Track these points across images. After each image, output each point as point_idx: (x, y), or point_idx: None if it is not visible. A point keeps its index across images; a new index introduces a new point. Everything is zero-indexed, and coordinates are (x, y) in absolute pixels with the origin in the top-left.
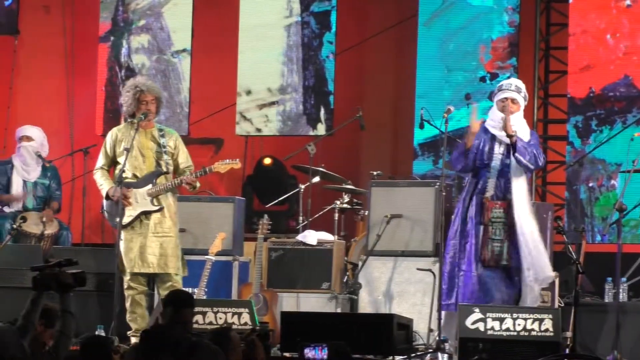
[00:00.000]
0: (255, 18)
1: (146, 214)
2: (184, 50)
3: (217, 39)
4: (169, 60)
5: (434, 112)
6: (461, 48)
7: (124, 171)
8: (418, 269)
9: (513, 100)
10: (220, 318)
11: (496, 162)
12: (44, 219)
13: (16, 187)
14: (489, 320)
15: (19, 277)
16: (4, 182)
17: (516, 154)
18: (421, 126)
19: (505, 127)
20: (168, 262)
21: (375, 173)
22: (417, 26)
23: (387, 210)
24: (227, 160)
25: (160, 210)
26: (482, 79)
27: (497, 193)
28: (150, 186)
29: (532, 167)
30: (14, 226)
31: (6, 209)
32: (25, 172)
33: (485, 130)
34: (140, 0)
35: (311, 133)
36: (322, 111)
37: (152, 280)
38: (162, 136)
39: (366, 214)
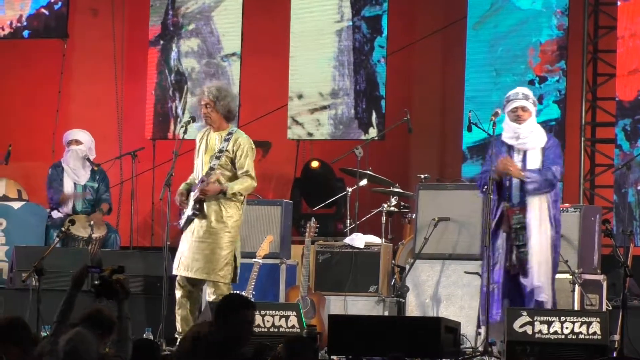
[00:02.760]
0: (306, 22)
1: (191, 219)
2: (233, 54)
3: (266, 42)
4: (218, 64)
5: (483, 115)
6: (510, 51)
7: (172, 175)
8: (466, 272)
9: (523, 108)
10: (268, 321)
11: None
12: (92, 223)
13: (67, 191)
14: (536, 323)
15: (66, 280)
16: (59, 185)
17: (533, 193)
18: (469, 129)
19: (515, 175)
20: (210, 269)
21: (423, 176)
22: (465, 29)
23: (434, 213)
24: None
25: (196, 215)
26: (531, 82)
27: (516, 199)
28: (196, 191)
29: (550, 189)
30: (62, 229)
31: (55, 215)
32: (75, 175)
33: (502, 142)
34: (190, 4)
35: (363, 137)
36: (374, 115)
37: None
38: (227, 140)
39: (414, 217)
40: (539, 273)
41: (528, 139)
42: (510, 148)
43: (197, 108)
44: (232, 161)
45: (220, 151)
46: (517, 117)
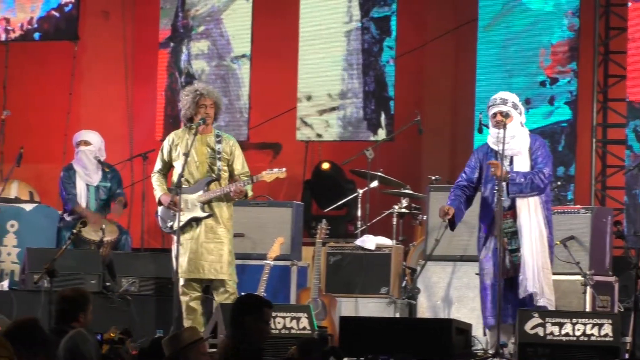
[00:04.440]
0: (315, 24)
1: (196, 220)
2: (243, 56)
3: (276, 44)
4: (228, 66)
5: None
6: (521, 52)
7: (182, 176)
8: (477, 274)
9: (501, 113)
10: (279, 323)
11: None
12: (104, 226)
13: (79, 192)
14: (548, 325)
15: (77, 282)
16: (73, 189)
17: (514, 195)
18: (479, 130)
19: (497, 175)
20: (220, 268)
21: (433, 178)
22: (476, 30)
23: None
24: (275, 170)
25: (210, 216)
26: (542, 84)
27: (507, 204)
28: (201, 192)
29: (537, 192)
30: (74, 231)
31: (66, 216)
32: (87, 177)
33: (487, 148)
34: (200, 6)
35: (372, 138)
36: (383, 116)
37: (207, 285)
38: (219, 142)
39: (424, 218)
40: (533, 279)
41: (511, 144)
42: (497, 154)
43: (193, 106)
44: (228, 162)
45: (219, 153)
46: (497, 122)
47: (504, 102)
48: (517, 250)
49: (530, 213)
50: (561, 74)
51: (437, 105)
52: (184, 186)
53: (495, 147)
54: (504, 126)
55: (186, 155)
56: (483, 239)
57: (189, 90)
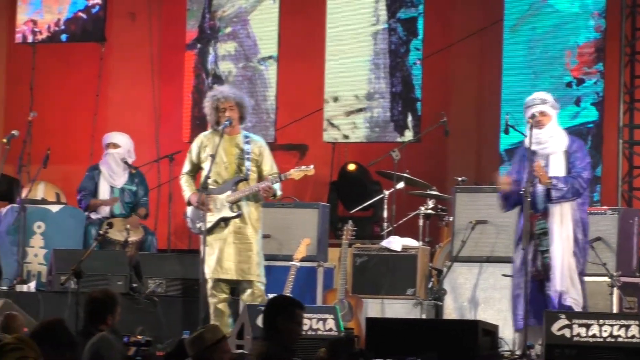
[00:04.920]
0: (342, 25)
1: (225, 220)
2: (270, 57)
3: (303, 45)
4: (255, 67)
5: (520, 117)
6: (547, 53)
7: (208, 177)
8: (503, 275)
9: (542, 113)
10: (305, 324)
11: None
12: (129, 227)
13: (103, 194)
14: (575, 326)
15: (104, 283)
16: (91, 187)
17: (557, 200)
18: (506, 132)
19: (540, 181)
20: (247, 268)
21: (460, 179)
22: (502, 31)
23: (472, 216)
24: (302, 167)
25: (239, 216)
26: (569, 85)
27: (541, 206)
28: (229, 192)
29: (577, 197)
30: (100, 232)
31: (93, 216)
32: (111, 179)
33: (523, 149)
34: (227, 7)
35: (398, 139)
36: (410, 118)
37: (235, 287)
38: (247, 143)
39: (451, 219)
40: (562, 278)
41: (549, 144)
42: (533, 154)
43: (213, 112)
44: (257, 163)
45: (248, 154)
46: (537, 122)
47: (544, 102)
48: (548, 251)
49: (562, 215)
50: (587, 75)
51: (463, 106)
52: (212, 187)
53: (533, 147)
54: (543, 125)
55: (212, 156)
56: (516, 240)
57: (208, 97)
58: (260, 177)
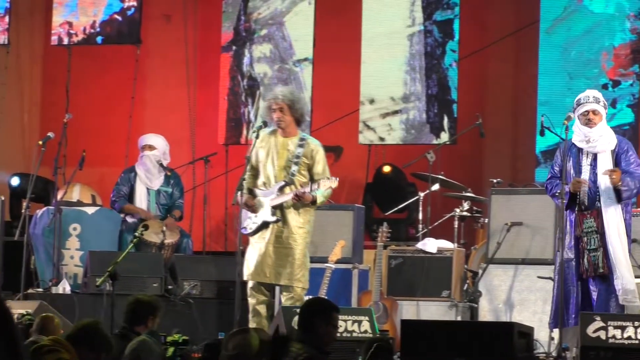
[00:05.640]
0: (377, 27)
1: (267, 224)
2: (305, 59)
3: (338, 47)
4: (290, 70)
5: (555, 119)
6: (583, 55)
7: (244, 179)
8: (539, 277)
9: (594, 112)
10: (341, 326)
11: (585, 174)
12: (164, 229)
13: (139, 196)
14: (610, 328)
15: (139, 285)
16: (127, 190)
17: (627, 199)
18: (542, 133)
19: (612, 182)
20: (287, 273)
21: (495, 181)
22: (538, 33)
23: (507, 218)
24: (326, 181)
25: (278, 221)
26: (604, 86)
27: (588, 203)
28: (273, 196)
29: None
30: (136, 234)
31: (129, 218)
32: (147, 181)
33: (572, 145)
34: (262, 9)
35: (434, 142)
36: (446, 120)
37: (274, 289)
38: (301, 146)
39: (486, 221)
40: (630, 275)
41: (598, 142)
42: (579, 151)
43: (267, 112)
44: (308, 167)
45: (297, 157)
46: (588, 120)
47: (597, 100)
48: (596, 250)
49: (615, 212)
50: (623, 76)
51: (498, 108)
52: (262, 189)
53: (581, 146)
54: (595, 124)
55: (248, 159)
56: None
57: (270, 95)
58: (313, 180)
